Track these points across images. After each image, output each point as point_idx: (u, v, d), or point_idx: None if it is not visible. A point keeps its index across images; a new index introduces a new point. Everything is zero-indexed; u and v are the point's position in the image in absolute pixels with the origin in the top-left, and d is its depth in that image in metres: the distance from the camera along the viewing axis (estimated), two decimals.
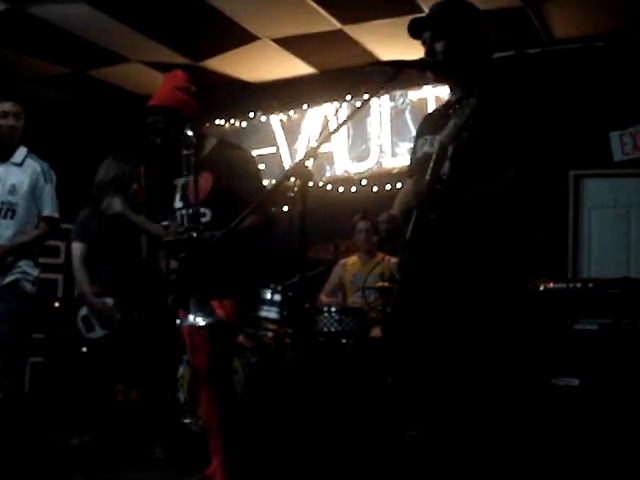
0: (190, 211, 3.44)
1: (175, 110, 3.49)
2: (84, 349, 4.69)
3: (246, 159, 3.62)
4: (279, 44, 6.28)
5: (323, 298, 5.82)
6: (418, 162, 2.77)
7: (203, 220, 3.44)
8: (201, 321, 3.23)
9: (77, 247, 4.81)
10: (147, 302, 4.62)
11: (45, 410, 5.52)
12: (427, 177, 2.48)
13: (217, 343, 3.41)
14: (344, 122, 2.53)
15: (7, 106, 4.39)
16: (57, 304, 6.83)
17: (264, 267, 3.66)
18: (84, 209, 4.86)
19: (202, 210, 3.44)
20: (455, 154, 2.48)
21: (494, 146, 2.51)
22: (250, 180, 3.46)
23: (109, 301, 4.64)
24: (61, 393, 5.76)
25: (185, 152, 3.36)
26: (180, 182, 3.59)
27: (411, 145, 3.06)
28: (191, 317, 3.22)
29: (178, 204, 3.59)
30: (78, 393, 4.99)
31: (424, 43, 2.71)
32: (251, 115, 7.19)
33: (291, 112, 7.08)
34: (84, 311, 4.70)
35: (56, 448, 4.30)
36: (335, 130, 2.49)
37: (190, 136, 3.36)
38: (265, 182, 6.90)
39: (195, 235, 3.28)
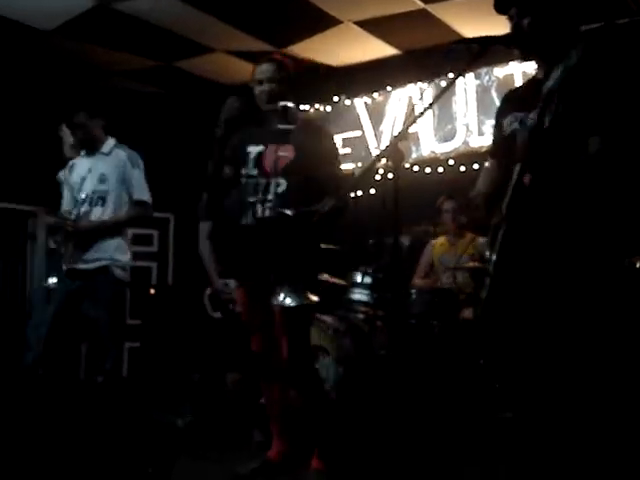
0: (264, 180, 3.54)
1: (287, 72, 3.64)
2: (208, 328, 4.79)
3: (333, 146, 3.70)
4: (362, 27, 6.26)
5: (417, 280, 5.80)
6: (507, 140, 2.73)
7: (278, 190, 3.51)
8: (291, 302, 3.26)
9: (203, 226, 4.90)
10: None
11: (145, 393, 5.68)
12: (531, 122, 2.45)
13: (296, 327, 3.48)
14: (433, 102, 2.52)
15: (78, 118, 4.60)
16: (152, 291, 7.03)
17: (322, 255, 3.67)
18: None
19: (278, 180, 3.52)
20: (552, 122, 2.43)
21: (588, 115, 2.47)
22: (335, 169, 3.56)
23: (231, 282, 4.70)
24: (160, 376, 5.93)
25: (281, 125, 3.45)
26: (255, 149, 3.64)
27: None
28: (281, 297, 3.25)
29: (251, 171, 3.62)
30: (183, 374, 5.11)
31: (510, 19, 2.67)
32: (335, 99, 7.20)
33: (375, 94, 7.06)
34: (210, 290, 4.80)
35: (160, 429, 4.43)
36: (424, 111, 2.48)
37: (291, 109, 3.49)
38: (351, 165, 7.01)
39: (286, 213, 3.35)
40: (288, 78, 3.63)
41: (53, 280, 4.23)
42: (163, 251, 7.82)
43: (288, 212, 3.35)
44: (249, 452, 3.93)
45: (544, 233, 2.50)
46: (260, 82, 3.61)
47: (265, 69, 3.62)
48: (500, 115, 2.84)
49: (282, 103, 3.54)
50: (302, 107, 7.36)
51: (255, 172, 3.61)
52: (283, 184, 3.52)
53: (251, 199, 3.57)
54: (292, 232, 3.31)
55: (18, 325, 7.48)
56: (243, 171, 3.63)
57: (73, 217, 4.45)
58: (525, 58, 2.76)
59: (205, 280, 4.89)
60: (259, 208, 3.55)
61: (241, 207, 3.62)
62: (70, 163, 4.71)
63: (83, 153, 4.66)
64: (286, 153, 3.55)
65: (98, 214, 4.50)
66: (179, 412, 4.82)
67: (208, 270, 4.82)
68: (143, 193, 4.60)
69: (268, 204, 3.52)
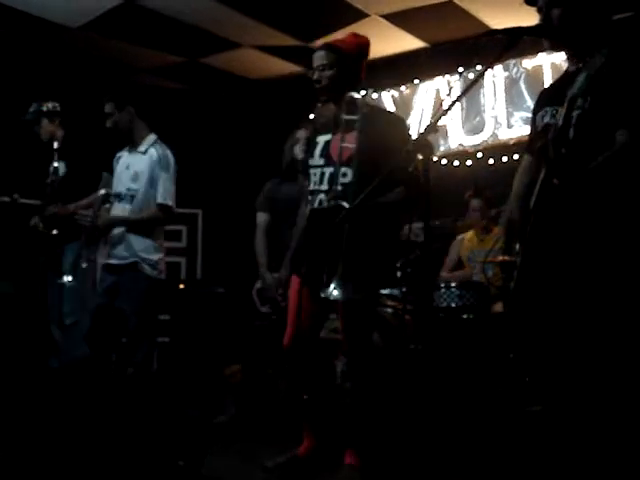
0: (332, 170, 3.46)
1: (346, 55, 3.54)
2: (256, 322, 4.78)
3: (395, 122, 3.61)
4: (389, 20, 6.23)
5: (444, 274, 5.76)
6: (539, 135, 2.71)
7: (344, 180, 3.41)
8: (337, 295, 3.21)
9: (260, 217, 4.92)
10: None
11: (173, 387, 5.71)
12: (552, 136, 2.42)
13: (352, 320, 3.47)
14: (463, 94, 2.49)
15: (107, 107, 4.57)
16: (181, 286, 7.06)
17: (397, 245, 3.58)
18: (271, 180, 4.96)
19: (343, 170, 3.43)
20: (579, 119, 2.41)
21: (615, 110, 2.44)
22: (396, 143, 3.26)
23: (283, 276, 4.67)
24: (188, 371, 5.96)
25: (346, 115, 3.40)
26: (323, 139, 3.60)
27: (527, 115, 2.98)
28: (330, 289, 3.21)
29: (318, 161, 3.57)
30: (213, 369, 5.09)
31: (540, 10, 2.64)
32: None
33: (403, 87, 7.03)
34: (259, 284, 4.79)
35: (192, 423, 4.45)
36: (453, 104, 2.47)
37: (355, 99, 3.46)
38: None
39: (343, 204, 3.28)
40: (345, 62, 3.54)
41: (68, 278, 4.21)
42: (192, 246, 7.88)
43: (344, 204, 3.27)
44: (281, 447, 3.92)
45: (571, 227, 2.48)
46: (316, 70, 3.56)
47: (318, 56, 3.56)
48: (535, 110, 2.83)
49: (348, 95, 3.51)
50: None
51: (322, 162, 3.55)
52: (349, 174, 3.42)
53: (315, 189, 3.53)
54: (349, 224, 3.20)
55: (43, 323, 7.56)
56: (310, 162, 3.61)
57: (91, 215, 4.43)
58: (555, 49, 2.74)
59: (235, 275, 4.88)
60: (321, 198, 3.49)
61: (307, 197, 3.61)
62: (117, 155, 4.75)
63: (128, 148, 4.68)
64: (350, 143, 3.45)
65: (119, 211, 4.52)
66: (216, 406, 4.83)
67: (258, 263, 4.82)
68: (166, 197, 4.53)
69: (333, 194, 3.43)
